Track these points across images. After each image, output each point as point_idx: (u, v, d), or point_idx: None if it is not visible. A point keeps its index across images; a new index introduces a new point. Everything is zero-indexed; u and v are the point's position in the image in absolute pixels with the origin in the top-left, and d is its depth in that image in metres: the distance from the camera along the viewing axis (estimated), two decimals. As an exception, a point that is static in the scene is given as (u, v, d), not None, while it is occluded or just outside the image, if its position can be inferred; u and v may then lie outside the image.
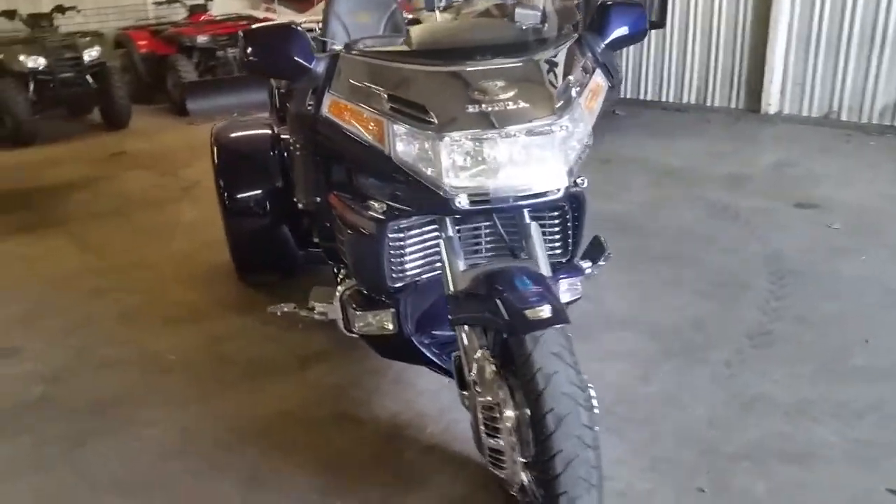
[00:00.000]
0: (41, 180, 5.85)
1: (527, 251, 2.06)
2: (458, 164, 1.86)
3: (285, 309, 2.40)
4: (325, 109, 2.01)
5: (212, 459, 2.38)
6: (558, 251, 2.32)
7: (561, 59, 2.10)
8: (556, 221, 2.28)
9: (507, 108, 1.88)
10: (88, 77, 7.36)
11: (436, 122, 1.86)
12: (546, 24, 2.22)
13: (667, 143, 5.93)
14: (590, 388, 1.77)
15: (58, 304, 3.56)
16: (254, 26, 2.11)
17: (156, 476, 2.33)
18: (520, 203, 1.92)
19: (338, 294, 2.36)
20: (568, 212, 2.26)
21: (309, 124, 2.08)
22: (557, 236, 2.30)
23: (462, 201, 1.87)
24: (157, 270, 3.90)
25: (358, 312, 2.27)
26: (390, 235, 2.13)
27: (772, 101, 6.45)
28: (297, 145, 2.29)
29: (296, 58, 1.99)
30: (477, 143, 1.85)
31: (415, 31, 2.12)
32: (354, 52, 2.06)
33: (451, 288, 2.00)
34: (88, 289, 3.70)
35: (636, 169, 5.28)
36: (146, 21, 9.94)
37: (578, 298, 2.47)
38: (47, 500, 2.26)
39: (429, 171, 1.87)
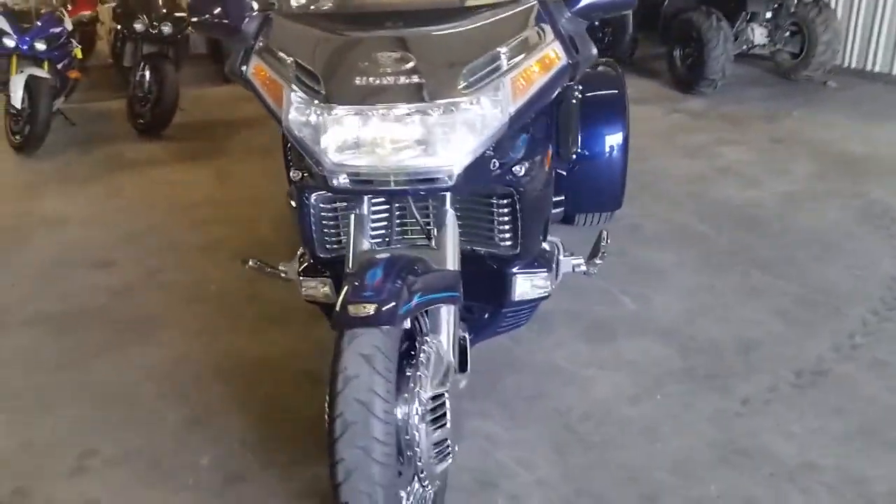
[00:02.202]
0: (232, 114, 6.48)
1: (436, 240, 1.89)
2: (339, 140, 1.73)
3: (251, 264, 2.44)
4: (250, 71, 1.98)
5: (182, 390, 2.55)
6: (507, 243, 2.09)
7: (495, 27, 1.84)
8: (506, 210, 2.05)
9: (398, 82, 1.71)
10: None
11: (323, 93, 1.74)
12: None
13: (865, 125, 4.98)
14: (422, 401, 1.61)
15: (166, 227, 3.97)
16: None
17: (127, 393, 2.54)
18: (404, 188, 1.76)
19: (297, 256, 2.36)
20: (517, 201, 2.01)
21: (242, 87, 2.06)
22: (507, 227, 2.07)
23: (342, 180, 1.76)
24: (260, 208, 4.17)
25: (302, 278, 2.26)
26: (321, 206, 2.07)
27: None
28: None
29: (228, 17, 1.97)
30: (359, 120, 1.71)
31: None
32: (283, 12, 1.99)
33: (349, 267, 1.91)
34: (197, 217, 4.07)
35: (807, 153, 4.51)
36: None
37: (545, 297, 2.23)
38: (44, 394, 2.59)
39: (313, 145, 1.77)
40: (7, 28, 5.31)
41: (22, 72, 5.25)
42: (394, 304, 1.57)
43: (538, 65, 1.86)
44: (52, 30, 5.49)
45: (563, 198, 3.15)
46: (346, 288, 1.64)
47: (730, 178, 4.18)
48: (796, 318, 2.78)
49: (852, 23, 6.16)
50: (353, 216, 1.94)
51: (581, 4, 1.94)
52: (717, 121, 5.29)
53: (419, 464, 1.63)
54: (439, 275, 1.81)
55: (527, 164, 1.93)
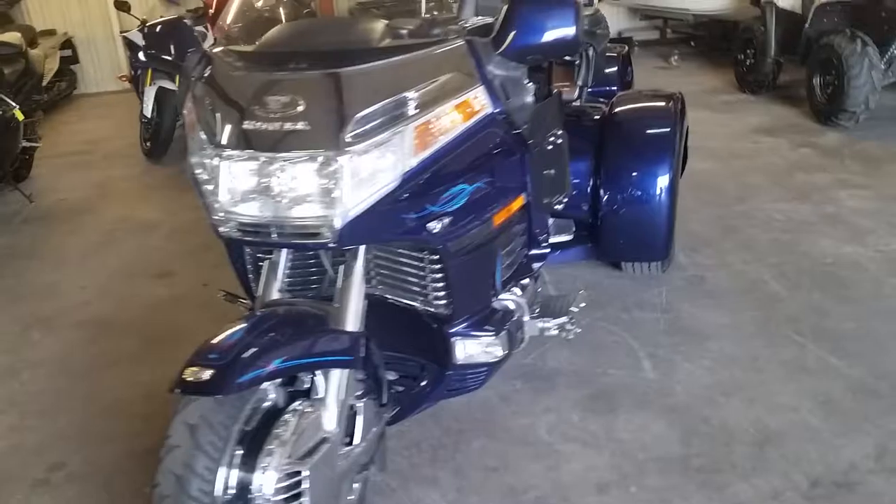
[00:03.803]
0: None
1: (339, 297, 1.75)
2: (227, 187, 1.65)
3: (221, 295, 2.42)
4: (187, 109, 1.95)
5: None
6: (441, 302, 1.90)
7: (407, 69, 1.67)
8: (437, 267, 1.87)
9: (283, 128, 1.60)
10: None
11: (217, 135, 1.67)
12: (438, 27, 1.77)
13: None
14: (270, 477, 1.49)
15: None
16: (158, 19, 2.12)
17: (119, 409, 2.61)
18: (283, 242, 1.64)
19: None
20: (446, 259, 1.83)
21: None
22: (439, 284, 1.89)
23: (229, 229, 1.67)
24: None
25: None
26: (247, 250, 2.01)
27: None
28: None
29: (175, 52, 1.96)
30: (242, 167, 1.62)
31: (274, 29, 1.88)
32: (217, 49, 1.93)
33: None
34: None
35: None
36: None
37: (495, 362, 2.02)
38: (55, 399, 2.74)
39: (205, 191, 1.70)
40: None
41: (154, 83, 5.70)
42: (231, 370, 1.45)
43: (457, 112, 1.68)
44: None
45: (587, 244, 2.91)
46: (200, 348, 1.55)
47: (835, 228, 3.63)
48: (843, 410, 2.32)
49: None
50: (266, 263, 1.85)
51: (510, 46, 1.72)
52: (849, 159, 4.63)
53: (266, 544, 1.51)
54: (330, 336, 1.67)
55: (447, 220, 1.75)
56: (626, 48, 4.31)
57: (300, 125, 1.59)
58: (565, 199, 2.29)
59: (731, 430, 2.28)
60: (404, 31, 1.81)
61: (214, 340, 1.54)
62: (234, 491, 1.51)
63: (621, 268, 3.24)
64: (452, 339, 1.95)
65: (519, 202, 2.11)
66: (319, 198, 1.58)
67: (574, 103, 3.21)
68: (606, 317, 2.97)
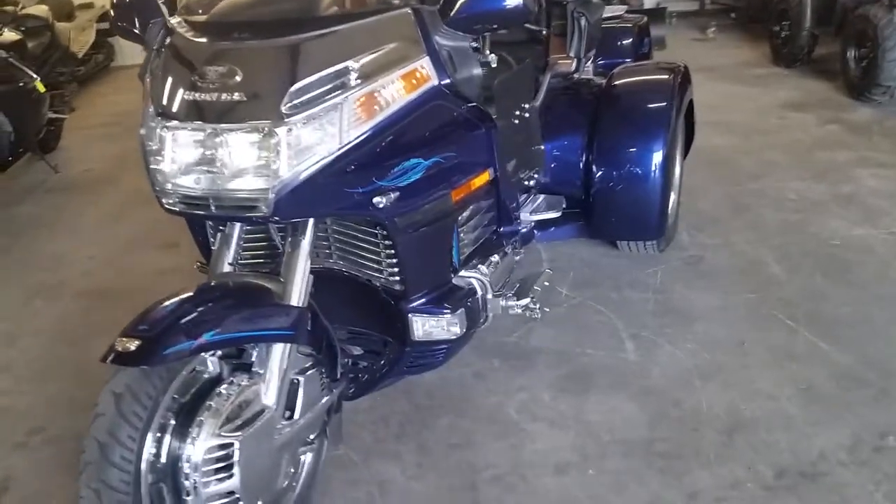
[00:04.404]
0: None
1: (284, 271, 1.75)
2: (169, 159, 1.66)
3: (197, 266, 2.44)
4: (144, 80, 1.95)
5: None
6: (394, 278, 1.89)
7: (349, 39, 1.64)
8: (389, 242, 1.85)
9: (220, 99, 1.60)
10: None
11: (163, 106, 1.68)
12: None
13: None
14: (198, 449, 1.51)
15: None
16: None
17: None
18: (221, 215, 1.64)
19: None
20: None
21: None
22: (393, 259, 1.87)
23: (172, 202, 1.68)
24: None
25: None
26: (209, 223, 2.02)
27: None
28: None
29: (138, 23, 1.95)
30: (181, 138, 1.62)
31: None
32: (175, 20, 1.92)
33: (210, 287, 1.84)
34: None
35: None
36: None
37: (455, 340, 2.00)
38: (49, 366, 2.82)
39: (150, 163, 1.71)
40: None
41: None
42: (158, 343, 1.47)
43: (401, 83, 1.65)
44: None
45: (579, 222, 2.85)
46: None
47: (848, 209, 3.48)
48: (824, 398, 2.24)
49: None
50: (219, 236, 1.86)
51: (457, 14, 1.67)
52: (878, 136, 4.42)
53: (194, 514, 1.54)
54: (271, 311, 1.67)
55: (395, 194, 1.72)
56: (644, 18, 4.17)
57: (237, 96, 1.58)
58: (537, 175, 2.23)
59: (701, 415, 2.22)
60: None
61: (149, 312, 1.56)
62: (164, 460, 1.53)
63: (617, 246, 3.17)
64: (410, 316, 1.94)
65: (484, 177, 2.07)
66: (256, 170, 1.58)
67: (575, 76, 3.12)
68: (597, 296, 2.91)
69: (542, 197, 2.87)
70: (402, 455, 2.17)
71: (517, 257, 2.57)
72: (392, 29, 1.69)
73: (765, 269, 3.02)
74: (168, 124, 1.63)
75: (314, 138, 1.57)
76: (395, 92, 1.65)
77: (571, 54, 2.80)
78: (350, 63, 1.61)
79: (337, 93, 1.59)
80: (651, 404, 2.28)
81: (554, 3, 2.91)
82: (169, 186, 1.66)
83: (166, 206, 1.69)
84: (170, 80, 1.68)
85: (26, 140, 4.91)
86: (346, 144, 1.60)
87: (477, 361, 2.57)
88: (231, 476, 1.56)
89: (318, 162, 1.58)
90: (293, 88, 1.57)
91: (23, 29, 5.35)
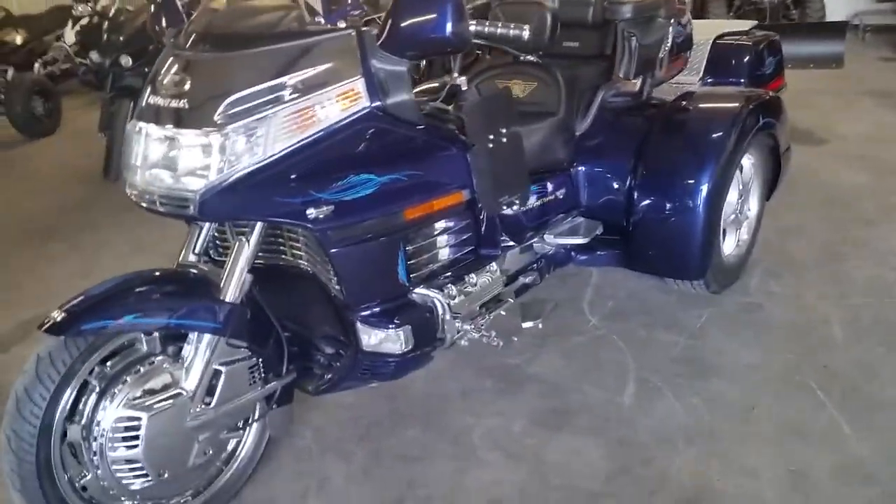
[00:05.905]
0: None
1: (225, 266, 1.85)
2: (132, 156, 1.81)
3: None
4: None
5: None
6: (337, 287, 1.93)
7: (289, 56, 1.70)
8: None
9: (168, 105, 1.72)
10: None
11: (138, 107, 1.83)
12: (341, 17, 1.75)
13: None
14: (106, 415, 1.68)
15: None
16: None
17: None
18: (164, 211, 1.76)
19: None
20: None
21: None
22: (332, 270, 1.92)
23: (133, 194, 1.83)
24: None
25: None
26: None
27: None
28: None
29: (163, 30, 2.12)
30: (142, 138, 1.77)
31: (200, 9, 1.94)
32: (179, 28, 2.05)
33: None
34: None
35: None
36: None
37: (403, 355, 2.02)
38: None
39: (123, 156, 1.87)
40: (318, 6, 6.19)
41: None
42: (79, 317, 1.63)
43: (336, 101, 1.68)
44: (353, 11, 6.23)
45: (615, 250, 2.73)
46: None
47: (963, 275, 3.00)
48: (812, 488, 1.99)
49: None
50: (190, 228, 2.00)
51: (387, 38, 1.66)
52: None
53: (98, 473, 1.71)
54: (200, 303, 1.78)
55: (330, 208, 1.76)
56: (772, 36, 3.81)
57: (180, 103, 1.70)
58: (518, 201, 2.16)
59: (666, 480, 2.06)
60: (306, 19, 1.83)
61: (89, 289, 1.73)
62: (84, 420, 1.71)
63: (666, 281, 2.98)
64: (357, 324, 1.98)
65: (455, 198, 2.05)
66: (190, 172, 1.69)
67: (643, 97, 2.95)
68: (624, 331, 2.77)
69: (580, 220, 2.77)
70: (354, 457, 2.23)
71: (535, 283, 2.53)
72: (333, 49, 1.72)
73: (823, 329, 2.70)
74: (137, 125, 1.79)
75: (243, 147, 1.65)
76: (330, 109, 1.69)
77: (620, 75, 2.65)
78: (286, 79, 1.67)
79: (269, 106, 1.66)
80: (620, 457, 2.15)
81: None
82: (131, 181, 1.82)
83: (132, 200, 1.86)
84: (148, 84, 1.84)
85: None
86: (274, 154, 1.67)
87: (470, 378, 2.55)
88: (136, 447, 1.71)
89: (245, 169, 1.66)
90: (229, 99, 1.66)
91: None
